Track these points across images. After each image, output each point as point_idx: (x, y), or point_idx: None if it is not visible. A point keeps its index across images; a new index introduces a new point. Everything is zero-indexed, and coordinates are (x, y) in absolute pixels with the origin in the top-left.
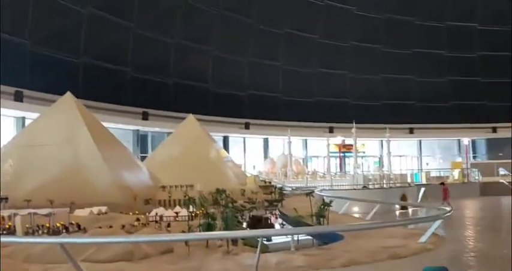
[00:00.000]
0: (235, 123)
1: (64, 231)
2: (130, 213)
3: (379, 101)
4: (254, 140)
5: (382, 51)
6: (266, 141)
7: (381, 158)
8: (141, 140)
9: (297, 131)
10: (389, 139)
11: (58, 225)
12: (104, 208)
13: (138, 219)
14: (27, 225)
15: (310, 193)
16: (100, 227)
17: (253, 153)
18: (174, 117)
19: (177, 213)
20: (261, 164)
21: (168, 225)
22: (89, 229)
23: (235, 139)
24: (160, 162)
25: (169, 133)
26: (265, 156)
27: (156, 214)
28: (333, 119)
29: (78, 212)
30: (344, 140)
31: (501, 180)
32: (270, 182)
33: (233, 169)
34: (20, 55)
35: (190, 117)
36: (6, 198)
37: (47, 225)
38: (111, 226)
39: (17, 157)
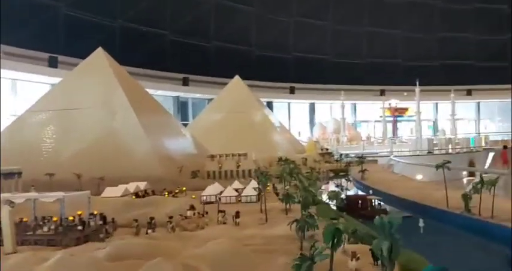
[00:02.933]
0: (280, 87)
1: (80, 227)
2: (177, 190)
3: (435, 61)
4: (298, 105)
5: (439, 7)
6: (312, 106)
7: (435, 122)
8: (182, 107)
9: (346, 94)
10: (454, 101)
11: (71, 218)
12: (142, 185)
13: (192, 207)
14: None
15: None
16: (136, 222)
17: (297, 119)
18: (215, 82)
19: (237, 190)
20: (307, 130)
21: (236, 215)
22: (118, 221)
23: (279, 105)
24: (205, 129)
25: (210, 99)
26: (311, 121)
27: (211, 194)
28: (384, 82)
29: (108, 192)
30: (395, 104)
31: None
32: (327, 149)
33: (285, 136)
34: (54, 19)
35: (237, 79)
36: (20, 173)
37: (55, 219)
38: (150, 221)
39: (48, 123)
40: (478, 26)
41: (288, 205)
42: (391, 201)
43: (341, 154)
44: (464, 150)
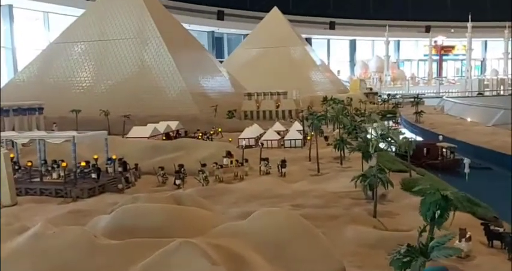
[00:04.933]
0: (319, 22)
1: (95, 175)
2: (211, 131)
3: None
4: (338, 42)
5: None
6: (353, 43)
7: (483, 61)
8: (216, 43)
9: (389, 30)
10: (509, 39)
11: (83, 164)
12: (174, 125)
13: (229, 153)
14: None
15: None
16: (163, 174)
17: (337, 57)
18: (252, 16)
19: (278, 132)
20: (348, 69)
21: (282, 164)
22: (143, 168)
23: (318, 41)
24: (242, 66)
25: (246, 35)
26: (352, 60)
27: (250, 137)
28: (430, 17)
29: (135, 132)
30: (441, 41)
31: None
32: (371, 89)
33: (327, 75)
34: None
35: (275, 12)
36: (41, 109)
37: (63, 164)
38: (179, 169)
39: (74, 55)
40: None
41: (342, 152)
42: (464, 150)
43: (389, 95)
44: None
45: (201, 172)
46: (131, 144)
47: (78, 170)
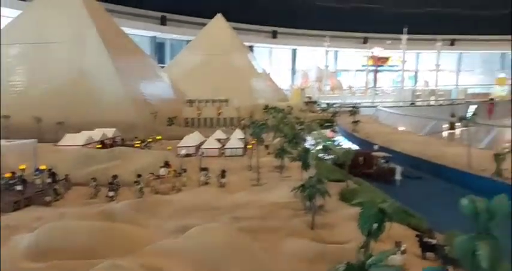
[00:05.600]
0: (262, 31)
1: (20, 187)
2: (150, 139)
3: (420, 9)
4: (280, 52)
5: None
6: (294, 52)
7: (416, 73)
8: (158, 48)
9: (329, 41)
10: (440, 51)
11: (7, 175)
12: (110, 132)
13: (166, 163)
14: None
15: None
16: (95, 185)
17: (278, 66)
18: (195, 22)
19: (219, 140)
20: (289, 78)
21: (222, 174)
22: (74, 178)
23: (259, 50)
24: (184, 72)
25: (189, 41)
26: (293, 69)
27: (190, 145)
28: (367, 29)
29: (68, 140)
30: (378, 52)
31: None
32: (310, 98)
33: (268, 83)
34: None
35: (219, 18)
36: None
37: None
38: (112, 180)
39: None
40: None
41: (282, 161)
42: (398, 159)
43: (327, 104)
44: (447, 102)
45: (136, 184)
46: (63, 153)
47: (3, 182)
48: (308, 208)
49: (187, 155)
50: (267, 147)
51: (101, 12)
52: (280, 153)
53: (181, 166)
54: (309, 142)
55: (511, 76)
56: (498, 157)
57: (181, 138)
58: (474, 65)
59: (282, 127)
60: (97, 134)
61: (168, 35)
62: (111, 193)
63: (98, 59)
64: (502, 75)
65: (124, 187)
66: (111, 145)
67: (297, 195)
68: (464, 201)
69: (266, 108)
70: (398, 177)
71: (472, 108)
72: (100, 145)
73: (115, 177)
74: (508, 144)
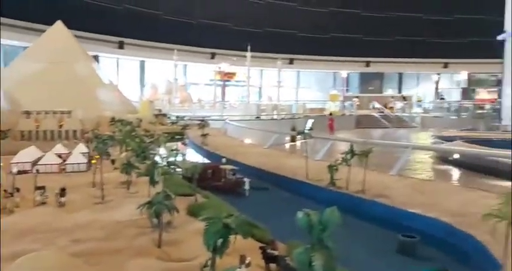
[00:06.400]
0: (108, 41)
1: None
2: None
3: (263, 28)
4: (127, 63)
5: None
6: (143, 64)
7: (260, 88)
8: None
9: (178, 55)
10: (280, 69)
11: None
12: None
13: None
14: None
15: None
16: None
17: (126, 78)
18: (33, 29)
19: (60, 155)
20: (137, 90)
21: (61, 193)
22: None
23: (106, 61)
24: (20, 81)
25: (26, 47)
26: (142, 81)
27: (25, 161)
28: (215, 44)
29: None
30: (225, 68)
31: (373, 113)
32: (160, 110)
33: (115, 94)
34: None
35: (59, 25)
36: None
37: None
38: None
39: None
40: None
41: (129, 177)
42: (245, 171)
43: (177, 117)
44: (288, 116)
45: None
46: None
47: None
48: (155, 225)
49: (22, 172)
50: (113, 161)
51: None
52: (127, 168)
53: (14, 185)
54: (158, 156)
55: (342, 93)
56: (332, 169)
57: (15, 154)
58: (311, 82)
59: (129, 141)
60: None
61: (1, 40)
62: None
63: None
64: (334, 92)
65: None
66: None
67: (144, 212)
68: (299, 215)
69: (113, 120)
70: (246, 188)
71: (310, 122)
72: None
73: None
74: (341, 156)
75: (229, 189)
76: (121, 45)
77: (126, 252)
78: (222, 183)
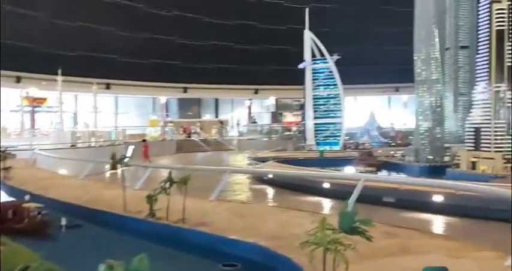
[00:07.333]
0: None
1: None
2: None
3: (76, 52)
4: None
5: None
6: None
7: (75, 114)
8: None
9: None
10: (96, 94)
11: None
12: None
13: None
14: None
15: None
16: None
17: None
18: None
19: None
20: None
21: None
22: None
23: None
24: None
25: None
26: None
27: None
28: (20, 68)
29: None
30: (34, 93)
31: (193, 138)
32: None
33: None
34: None
35: None
36: None
37: None
38: None
39: None
40: (120, 21)
41: None
42: (54, 208)
43: None
44: (107, 143)
45: None
46: None
47: None
48: None
49: None
50: None
51: None
52: None
53: None
54: None
55: (162, 118)
56: (150, 199)
57: None
58: (130, 108)
59: None
60: None
61: None
62: None
63: None
64: (154, 117)
65: None
66: None
67: None
68: (101, 267)
69: None
70: (57, 227)
71: (130, 149)
72: None
73: None
74: (161, 184)
75: (33, 231)
76: None
77: None
78: (24, 225)
